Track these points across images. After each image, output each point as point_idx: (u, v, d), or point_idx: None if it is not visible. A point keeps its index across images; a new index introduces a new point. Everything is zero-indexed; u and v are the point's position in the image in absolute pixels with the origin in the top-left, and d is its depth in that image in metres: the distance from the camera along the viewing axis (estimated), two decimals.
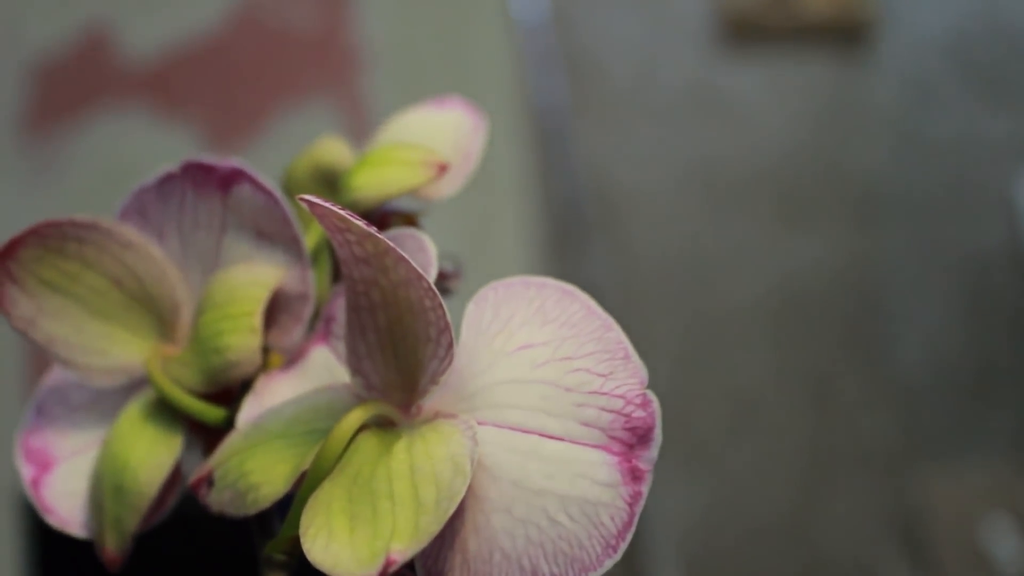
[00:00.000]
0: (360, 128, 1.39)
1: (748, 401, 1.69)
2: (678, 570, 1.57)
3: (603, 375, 0.31)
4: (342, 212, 0.30)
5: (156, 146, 1.37)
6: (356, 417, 0.32)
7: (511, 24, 1.57)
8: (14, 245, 0.36)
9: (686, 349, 1.67)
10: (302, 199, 0.30)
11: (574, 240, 1.59)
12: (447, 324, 0.31)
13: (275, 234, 0.37)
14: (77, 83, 1.40)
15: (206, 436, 0.37)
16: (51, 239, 0.36)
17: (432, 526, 0.28)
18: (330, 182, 0.41)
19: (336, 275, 0.40)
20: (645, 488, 0.30)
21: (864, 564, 1.69)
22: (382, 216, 0.40)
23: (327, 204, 0.30)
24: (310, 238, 0.38)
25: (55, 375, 0.41)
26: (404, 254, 0.30)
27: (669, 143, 1.69)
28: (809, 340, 1.72)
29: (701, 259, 1.69)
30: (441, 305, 0.31)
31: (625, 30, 1.69)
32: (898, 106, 1.74)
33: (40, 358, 1.27)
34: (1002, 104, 1.76)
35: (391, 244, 0.30)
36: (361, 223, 0.30)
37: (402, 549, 0.28)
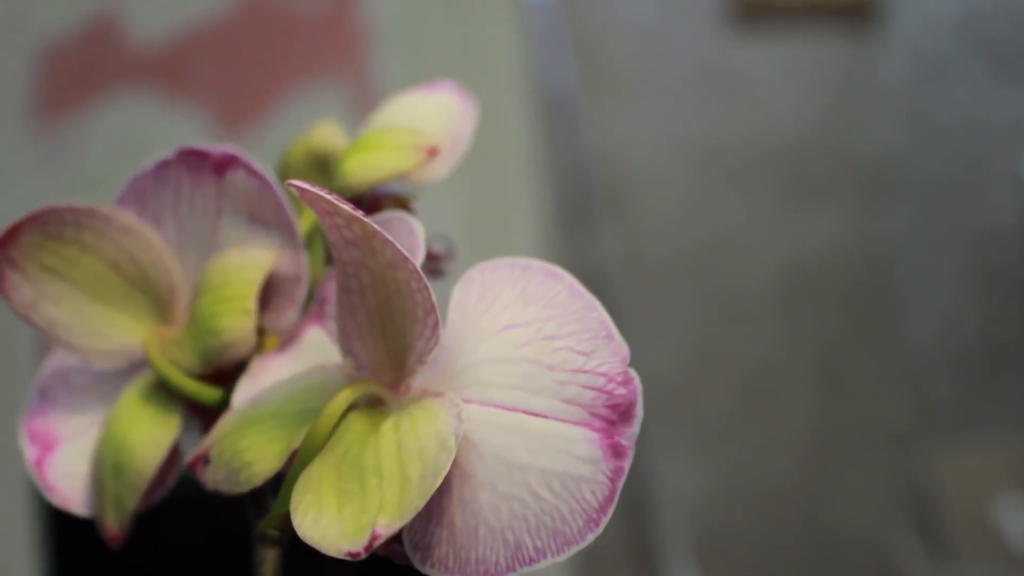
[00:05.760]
0: (369, 110, 1.38)
1: (759, 380, 1.70)
2: (689, 547, 1.57)
3: (585, 354, 0.32)
4: (330, 197, 0.30)
5: (166, 131, 1.38)
6: (345, 397, 0.32)
7: (519, 4, 1.57)
8: (14, 231, 0.37)
9: (696, 329, 1.68)
10: (291, 184, 0.30)
11: (584, 221, 1.59)
12: (433, 305, 0.32)
13: (269, 218, 0.37)
14: (85, 69, 1.41)
15: (203, 416, 0.38)
16: (50, 225, 0.37)
17: (417, 501, 0.29)
18: (324, 167, 0.42)
19: (329, 258, 0.40)
20: (627, 464, 0.31)
21: (875, 541, 1.69)
22: (374, 199, 0.40)
23: (315, 189, 0.30)
24: (304, 222, 0.39)
25: (57, 358, 0.42)
26: (390, 237, 0.31)
27: (679, 123, 1.68)
28: (820, 319, 1.72)
29: (711, 239, 1.69)
30: (427, 287, 0.31)
31: (634, 9, 1.68)
32: (908, 84, 1.74)
33: (48, 346, 1.28)
34: (1012, 81, 1.75)
35: (377, 227, 0.31)
36: (348, 207, 0.30)
37: (387, 523, 0.29)
